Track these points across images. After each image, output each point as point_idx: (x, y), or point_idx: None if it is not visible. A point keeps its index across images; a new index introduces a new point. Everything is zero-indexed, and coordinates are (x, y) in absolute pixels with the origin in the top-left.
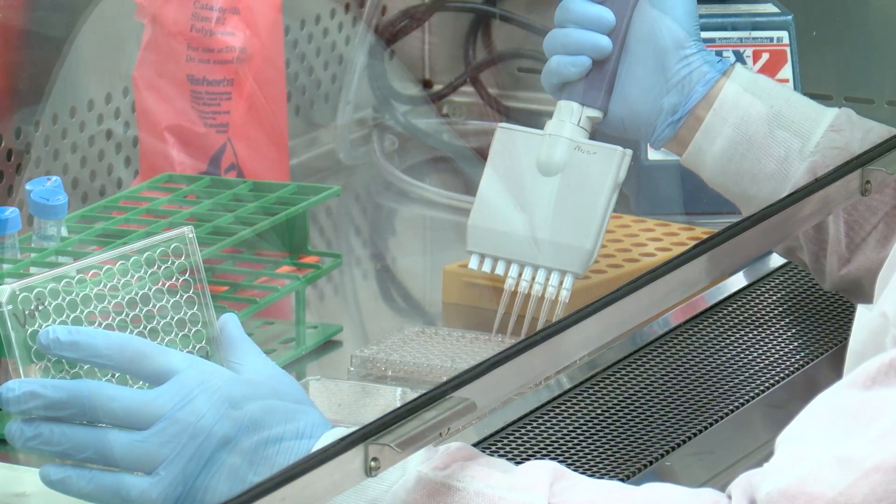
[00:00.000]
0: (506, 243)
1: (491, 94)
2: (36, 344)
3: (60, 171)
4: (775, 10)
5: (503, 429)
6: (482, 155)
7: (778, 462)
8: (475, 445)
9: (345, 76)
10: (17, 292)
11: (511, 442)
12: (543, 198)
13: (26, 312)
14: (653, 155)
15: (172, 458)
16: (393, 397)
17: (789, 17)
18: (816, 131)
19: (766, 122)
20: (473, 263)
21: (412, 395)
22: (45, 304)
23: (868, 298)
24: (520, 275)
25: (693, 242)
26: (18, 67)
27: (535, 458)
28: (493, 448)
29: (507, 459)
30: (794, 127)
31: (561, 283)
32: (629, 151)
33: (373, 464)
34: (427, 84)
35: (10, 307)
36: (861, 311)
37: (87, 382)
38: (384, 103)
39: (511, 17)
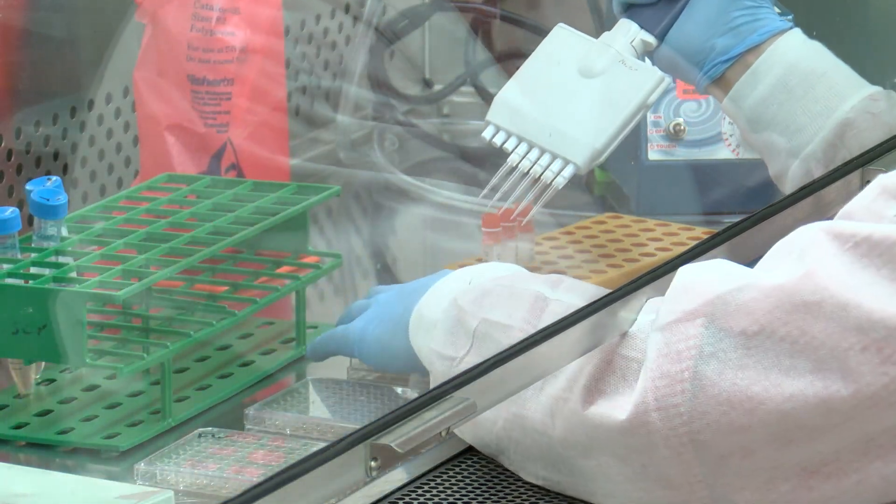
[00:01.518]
0: (523, 123)
1: (491, 94)
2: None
3: (60, 171)
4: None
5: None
6: (482, 155)
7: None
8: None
9: (345, 76)
10: None
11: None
12: (573, 94)
13: None
14: (653, 155)
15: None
16: (393, 397)
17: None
18: (855, 95)
19: (809, 77)
20: (488, 133)
21: (412, 395)
22: None
23: None
24: (526, 153)
25: (693, 242)
26: (18, 67)
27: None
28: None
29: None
30: (835, 88)
31: (560, 171)
32: (668, 78)
33: (373, 464)
34: (427, 84)
35: None
36: None
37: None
38: (384, 103)
39: (511, 17)
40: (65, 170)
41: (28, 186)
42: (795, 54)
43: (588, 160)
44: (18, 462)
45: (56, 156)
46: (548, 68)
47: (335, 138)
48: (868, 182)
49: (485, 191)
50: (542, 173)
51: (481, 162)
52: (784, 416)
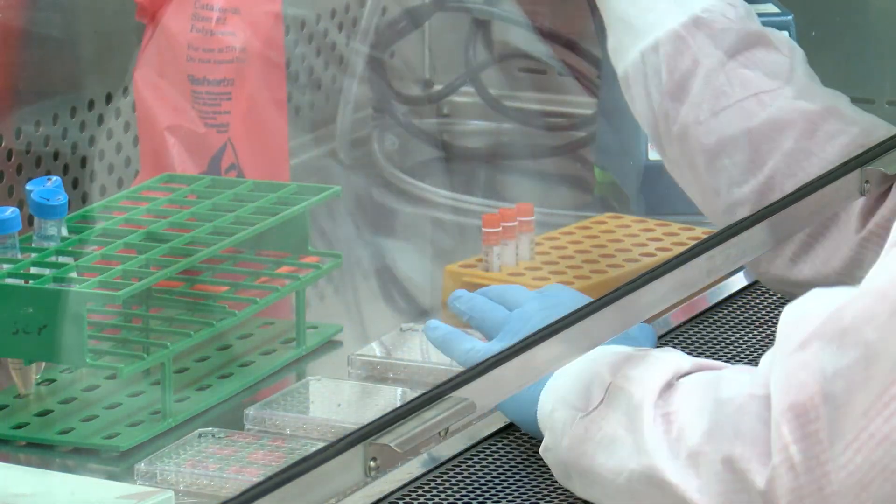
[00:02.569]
0: None
1: (491, 94)
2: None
3: (60, 171)
4: (775, 10)
5: (499, 431)
6: (482, 155)
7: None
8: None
9: (345, 76)
10: None
11: (500, 449)
12: None
13: None
14: (653, 155)
15: (502, 336)
16: (393, 397)
17: (789, 17)
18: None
19: None
20: None
21: (412, 395)
22: None
23: None
24: None
25: (693, 242)
26: (18, 67)
27: (531, 464)
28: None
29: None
30: None
31: None
32: None
33: (372, 464)
34: (427, 84)
35: None
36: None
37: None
38: (384, 103)
39: (511, 17)
40: (65, 170)
41: (28, 186)
42: None
43: None
44: (18, 462)
45: (56, 156)
46: None
47: (335, 138)
48: (867, 182)
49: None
50: None
51: (481, 162)
52: None
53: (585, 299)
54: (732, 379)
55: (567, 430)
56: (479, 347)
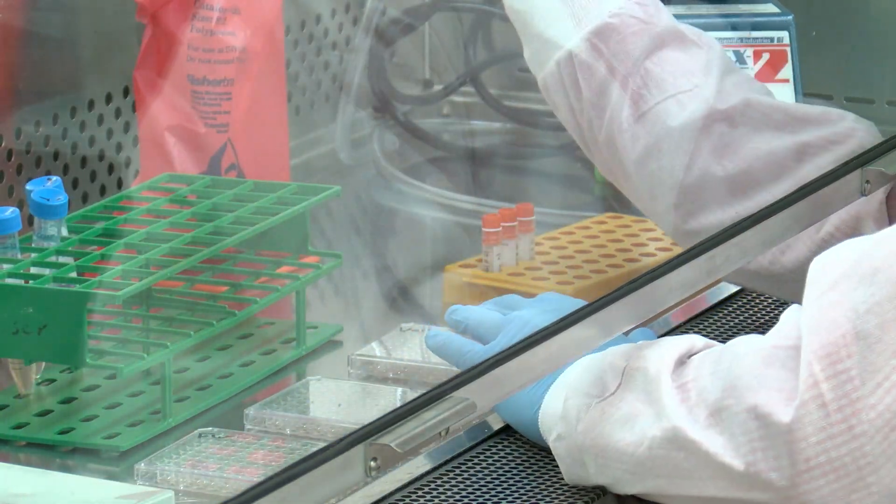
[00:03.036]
0: None
1: (491, 94)
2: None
3: (60, 171)
4: (775, 10)
5: (500, 431)
6: (482, 155)
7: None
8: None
9: (345, 76)
10: None
11: (500, 449)
12: None
13: None
14: None
15: (500, 339)
16: (393, 397)
17: (789, 17)
18: None
19: None
20: None
21: (412, 395)
22: None
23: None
24: None
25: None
26: (18, 67)
27: (532, 461)
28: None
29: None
30: None
31: None
32: None
33: (372, 464)
34: (427, 84)
35: None
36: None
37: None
38: (384, 103)
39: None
40: (65, 170)
41: (28, 186)
42: None
43: None
44: (18, 462)
45: (56, 156)
46: None
47: (335, 138)
48: (868, 182)
49: None
50: None
51: (481, 162)
52: None
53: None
54: (748, 339)
55: (582, 416)
56: (477, 349)
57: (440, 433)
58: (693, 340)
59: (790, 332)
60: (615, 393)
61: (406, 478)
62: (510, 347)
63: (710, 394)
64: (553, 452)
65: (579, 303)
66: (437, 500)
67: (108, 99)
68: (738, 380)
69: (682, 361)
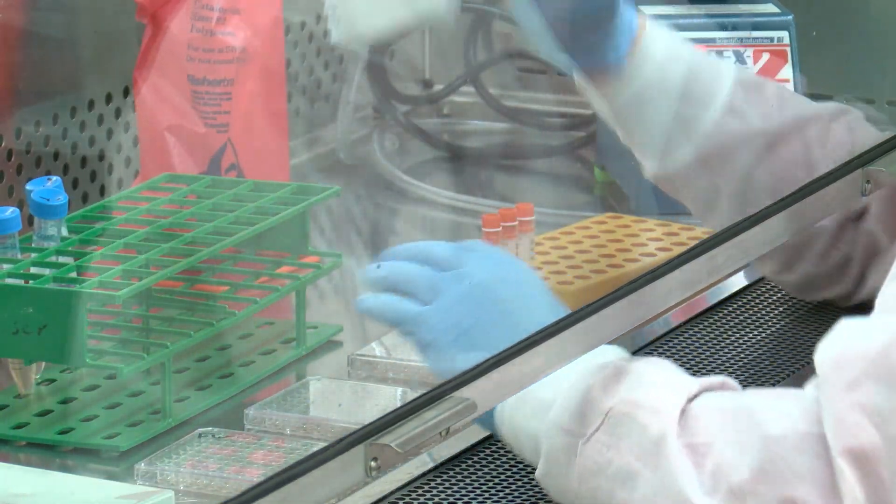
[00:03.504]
0: None
1: (491, 94)
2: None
3: (60, 171)
4: (775, 10)
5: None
6: (482, 155)
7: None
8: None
9: (345, 76)
10: None
11: (500, 449)
12: None
13: None
14: None
15: (443, 296)
16: (393, 397)
17: (789, 17)
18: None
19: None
20: None
21: (412, 395)
22: None
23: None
24: None
25: (693, 242)
26: (18, 67)
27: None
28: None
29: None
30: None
31: None
32: None
33: (373, 464)
34: (427, 84)
35: None
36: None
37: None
38: (384, 103)
39: (511, 16)
40: (65, 170)
41: (28, 186)
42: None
43: None
44: (18, 462)
45: (56, 156)
46: None
47: (335, 138)
48: (868, 182)
49: None
50: None
51: (481, 162)
52: None
53: (510, 257)
54: (775, 411)
55: (571, 460)
56: (424, 310)
57: (440, 433)
58: (686, 385)
59: (817, 418)
60: (597, 434)
61: (406, 478)
62: (510, 347)
63: (738, 472)
64: (537, 479)
65: (510, 255)
66: (436, 500)
67: (108, 99)
68: (770, 464)
69: (684, 410)
